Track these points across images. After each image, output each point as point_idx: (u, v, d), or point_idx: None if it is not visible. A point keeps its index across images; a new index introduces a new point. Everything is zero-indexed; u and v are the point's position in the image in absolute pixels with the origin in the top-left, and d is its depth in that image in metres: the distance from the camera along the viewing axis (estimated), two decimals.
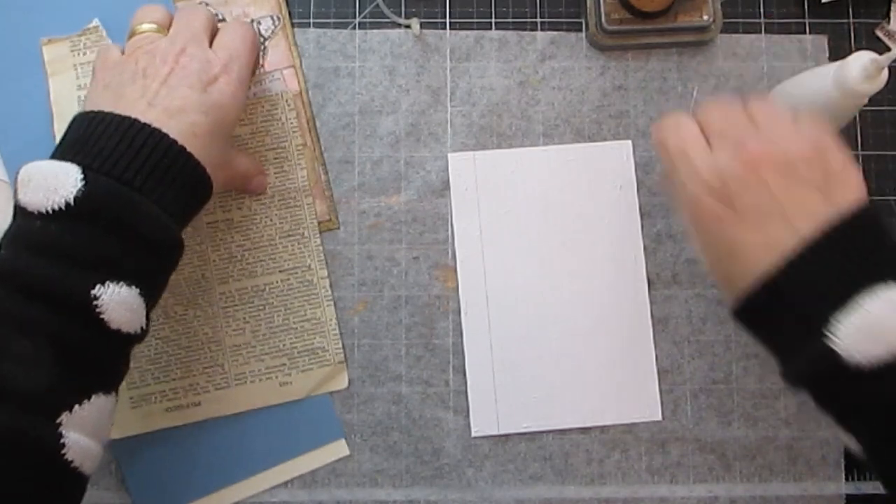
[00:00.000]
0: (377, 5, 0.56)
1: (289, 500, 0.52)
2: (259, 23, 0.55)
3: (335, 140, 0.55)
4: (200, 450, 0.52)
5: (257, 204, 0.53)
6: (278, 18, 0.55)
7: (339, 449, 0.53)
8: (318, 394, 0.52)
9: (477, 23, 0.56)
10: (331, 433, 0.53)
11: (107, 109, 0.41)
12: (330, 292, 0.53)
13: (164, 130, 0.41)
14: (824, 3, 0.57)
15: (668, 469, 0.53)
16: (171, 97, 0.42)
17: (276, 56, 0.55)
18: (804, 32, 0.57)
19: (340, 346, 0.53)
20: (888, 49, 0.56)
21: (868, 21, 0.57)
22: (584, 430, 0.53)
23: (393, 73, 0.56)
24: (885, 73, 0.45)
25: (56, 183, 0.38)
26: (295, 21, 0.56)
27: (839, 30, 0.57)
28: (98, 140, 0.40)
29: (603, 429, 0.53)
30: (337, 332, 0.53)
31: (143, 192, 0.40)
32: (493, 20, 0.56)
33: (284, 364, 0.52)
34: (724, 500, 0.53)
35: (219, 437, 0.52)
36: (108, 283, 0.38)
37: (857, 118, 0.56)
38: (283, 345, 0.52)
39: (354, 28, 0.56)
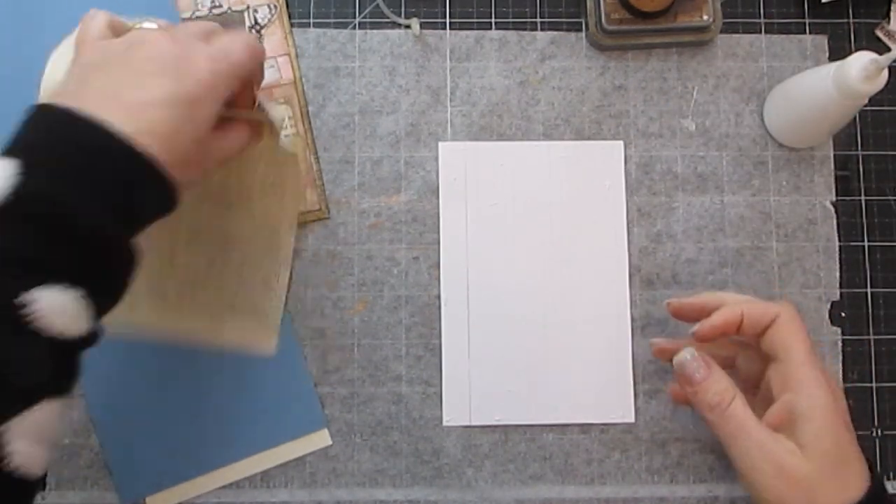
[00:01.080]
0: (377, 5, 0.56)
1: (289, 500, 0.52)
2: (255, 11, 0.55)
3: (335, 140, 0.55)
4: (182, 436, 0.52)
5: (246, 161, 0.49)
6: (275, 7, 0.55)
7: (321, 439, 0.53)
8: (241, 349, 0.50)
9: (477, 23, 0.56)
10: (313, 423, 0.53)
11: (69, 94, 0.38)
12: (290, 260, 0.52)
13: (119, 126, 0.37)
14: (824, 3, 0.57)
15: (668, 469, 0.53)
16: (137, 86, 0.38)
17: (272, 44, 0.55)
18: (804, 32, 0.57)
19: (280, 312, 0.52)
20: (888, 49, 0.57)
21: (868, 21, 0.57)
22: (585, 430, 0.53)
23: (393, 73, 0.56)
24: (885, 73, 0.46)
25: None
26: (295, 21, 0.56)
27: (839, 30, 0.57)
28: (39, 133, 0.37)
29: (603, 428, 0.53)
30: (282, 299, 0.52)
31: (82, 191, 0.36)
32: (493, 20, 0.56)
33: (224, 308, 0.51)
34: (723, 500, 0.53)
35: (201, 423, 0.52)
36: (39, 287, 0.34)
37: (857, 118, 0.56)
38: (227, 290, 0.51)
39: (354, 28, 0.56)
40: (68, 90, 0.39)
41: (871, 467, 0.44)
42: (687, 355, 0.45)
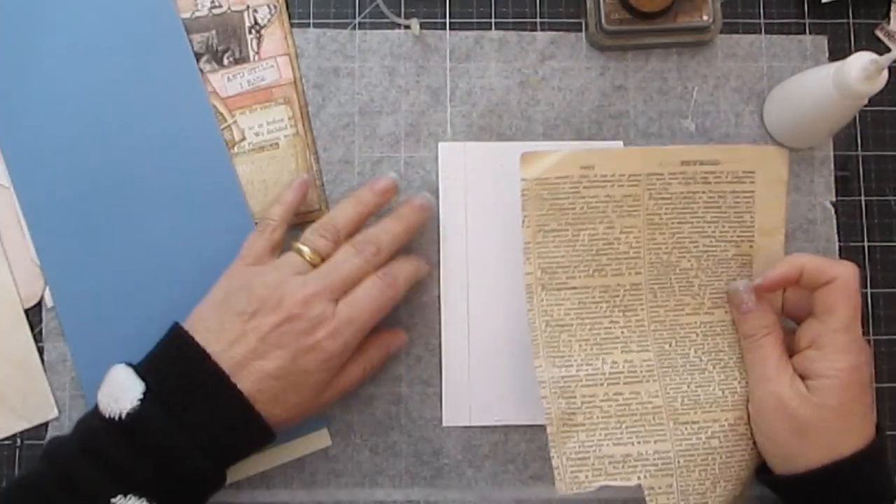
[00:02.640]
0: (377, 5, 0.56)
1: (288, 500, 0.52)
2: (255, 11, 0.55)
3: (335, 140, 0.55)
4: None
5: None
6: (275, 7, 0.55)
7: (321, 439, 0.53)
8: None
9: (477, 23, 0.56)
10: (312, 423, 0.52)
11: (205, 328, 0.45)
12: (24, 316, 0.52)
13: (234, 380, 0.44)
14: (824, 3, 0.57)
15: None
16: (258, 354, 0.44)
17: (272, 44, 0.55)
18: (804, 32, 0.57)
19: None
20: (888, 49, 0.57)
21: (868, 21, 0.57)
22: None
23: (393, 74, 0.56)
24: (885, 73, 0.46)
25: (120, 394, 0.43)
26: (295, 21, 0.56)
27: (839, 30, 0.57)
28: (170, 365, 0.44)
29: None
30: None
31: (190, 428, 0.43)
32: (493, 20, 0.56)
33: None
34: None
35: None
36: (129, 495, 0.41)
37: (857, 118, 0.56)
38: None
39: (354, 28, 0.56)
40: (209, 314, 0.46)
41: (880, 429, 0.45)
42: (740, 286, 0.48)
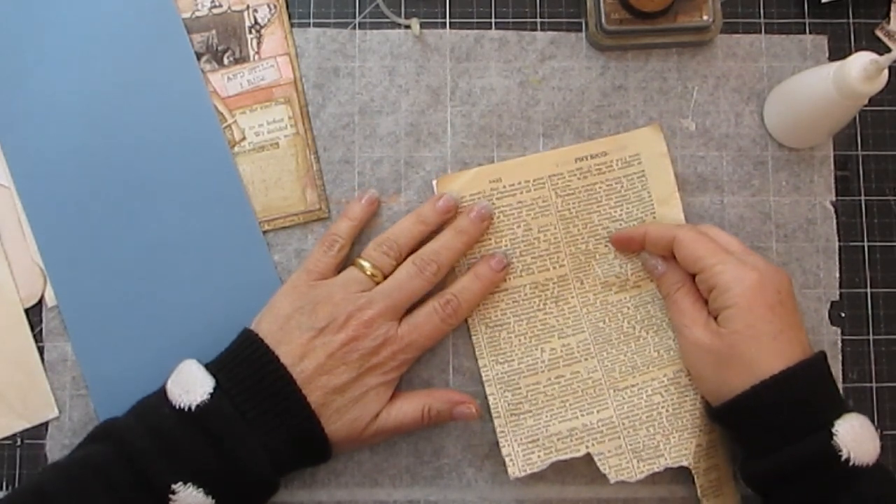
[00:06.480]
0: (377, 5, 0.56)
1: (289, 500, 0.52)
2: (255, 10, 0.55)
3: (335, 140, 0.55)
4: None
5: None
6: (275, 7, 0.55)
7: None
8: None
9: (477, 23, 0.56)
10: None
11: (274, 340, 0.47)
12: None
13: (304, 392, 0.46)
14: (824, 3, 0.57)
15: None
16: (325, 370, 0.47)
17: (272, 44, 0.55)
18: (804, 32, 0.57)
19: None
20: (888, 49, 0.57)
21: (868, 21, 0.57)
22: None
23: (393, 73, 0.56)
24: (885, 73, 0.46)
25: (191, 387, 0.45)
26: (295, 21, 0.56)
27: (839, 30, 0.57)
28: (241, 366, 0.47)
29: None
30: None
31: (254, 426, 0.45)
32: (493, 20, 0.56)
33: None
34: None
35: None
36: (189, 483, 0.43)
37: (857, 118, 0.56)
38: None
39: (354, 28, 0.56)
40: (275, 322, 0.48)
41: (821, 354, 0.47)
42: (646, 254, 0.53)
